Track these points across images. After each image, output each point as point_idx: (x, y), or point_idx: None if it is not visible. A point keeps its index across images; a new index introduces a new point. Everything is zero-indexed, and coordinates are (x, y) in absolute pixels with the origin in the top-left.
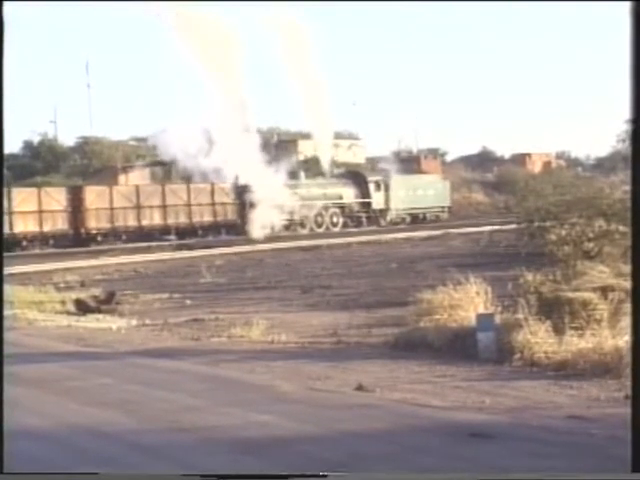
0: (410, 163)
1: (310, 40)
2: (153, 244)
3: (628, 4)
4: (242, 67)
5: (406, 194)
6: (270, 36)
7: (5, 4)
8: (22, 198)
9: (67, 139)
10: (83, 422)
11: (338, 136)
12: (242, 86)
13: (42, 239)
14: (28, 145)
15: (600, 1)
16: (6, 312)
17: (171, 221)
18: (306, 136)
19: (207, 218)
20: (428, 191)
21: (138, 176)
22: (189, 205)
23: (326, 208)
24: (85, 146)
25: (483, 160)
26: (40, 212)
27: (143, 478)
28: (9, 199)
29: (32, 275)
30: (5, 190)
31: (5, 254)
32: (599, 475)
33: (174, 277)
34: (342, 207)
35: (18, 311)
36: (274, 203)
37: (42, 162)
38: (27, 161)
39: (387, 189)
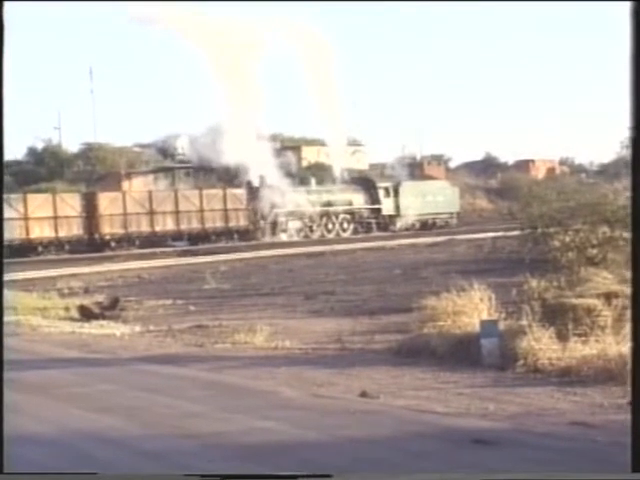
0: (414, 169)
1: (328, 46)
2: (157, 250)
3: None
4: (255, 71)
5: (415, 200)
6: (280, 41)
7: (8, 6)
8: (37, 204)
9: (71, 145)
10: (86, 428)
11: None
12: (255, 91)
13: (58, 244)
14: (32, 151)
15: (604, 1)
16: (10, 318)
17: (184, 227)
18: (310, 142)
19: (219, 224)
20: (437, 197)
21: (142, 182)
22: (202, 211)
23: (336, 214)
24: (89, 152)
25: (487, 166)
26: (55, 218)
27: (143, 478)
28: (25, 205)
29: (36, 281)
30: (20, 196)
31: (14, 260)
32: (599, 475)
33: (178, 283)
34: (352, 213)
35: (22, 317)
36: (286, 209)
37: (46, 168)
38: (31, 167)
39: (396, 195)
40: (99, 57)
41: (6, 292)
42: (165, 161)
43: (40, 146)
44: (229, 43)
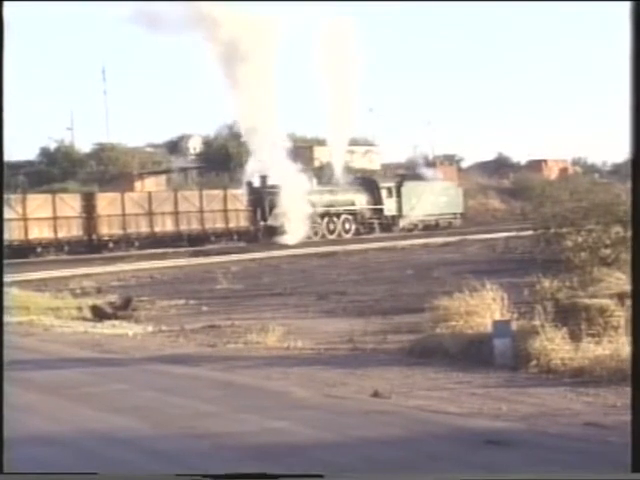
0: (426, 169)
1: (343, 44)
2: (169, 250)
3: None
4: (269, 69)
5: (418, 201)
6: (288, 38)
7: (18, 6)
8: (37, 205)
9: (83, 146)
10: (100, 428)
11: (354, 142)
12: (269, 89)
13: (57, 245)
14: (45, 152)
15: (619, 1)
16: (23, 318)
17: (183, 227)
18: (322, 142)
19: (219, 225)
20: (440, 198)
21: (154, 183)
22: (201, 212)
23: (338, 215)
24: (101, 153)
25: (499, 166)
26: (55, 218)
27: (143, 478)
28: (24, 206)
29: (48, 281)
30: (20, 197)
31: (21, 260)
32: (599, 475)
33: (190, 283)
34: (354, 214)
35: (34, 317)
36: (287, 210)
37: (58, 169)
38: (44, 168)
39: (399, 195)
40: (112, 57)
41: (19, 292)
42: (178, 161)
43: (53, 146)
44: (243, 40)
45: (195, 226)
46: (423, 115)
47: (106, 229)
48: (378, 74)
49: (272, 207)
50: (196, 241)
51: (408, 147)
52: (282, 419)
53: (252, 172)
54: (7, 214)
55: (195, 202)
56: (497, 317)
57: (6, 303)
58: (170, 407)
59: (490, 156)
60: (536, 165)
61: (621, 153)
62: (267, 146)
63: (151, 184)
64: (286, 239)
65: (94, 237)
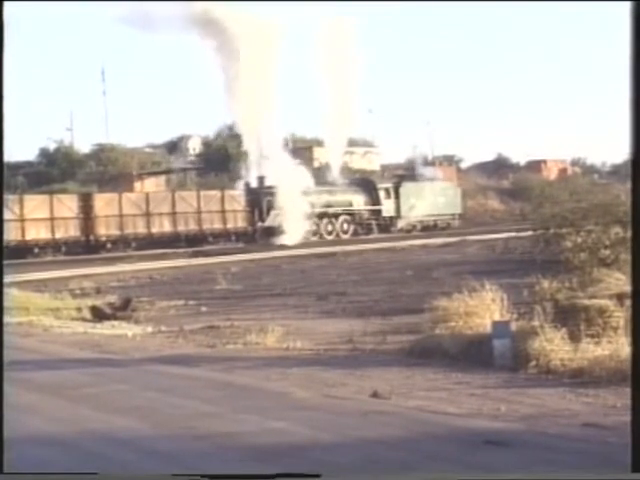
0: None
1: (350, 43)
2: (168, 251)
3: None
4: (269, 69)
5: (416, 201)
6: (290, 37)
7: (18, 7)
8: (34, 205)
9: (83, 146)
10: (99, 428)
11: (353, 143)
12: (271, 90)
13: (54, 246)
14: (44, 152)
15: (619, 1)
16: (23, 319)
17: (181, 228)
18: (321, 143)
19: (217, 225)
20: (439, 198)
21: (153, 183)
22: (199, 212)
23: (336, 215)
24: (101, 153)
25: (498, 167)
26: (52, 219)
27: (143, 478)
28: (21, 206)
29: (48, 282)
30: (17, 197)
31: (19, 261)
32: (599, 475)
33: (190, 284)
34: (352, 214)
35: (34, 318)
36: (284, 210)
37: (58, 169)
38: (43, 168)
39: (397, 196)
40: (111, 57)
41: (18, 293)
42: (177, 162)
43: (52, 147)
44: (243, 40)
45: (193, 227)
46: (422, 115)
47: (103, 230)
48: (378, 74)
49: (270, 208)
50: (194, 242)
51: (407, 147)
52: (282, 419)
53: (250, 172)
54: (5, 215)
55: (193, 203)
56: (496, 318)
57: (6, 304)
58: (170, 407)
59: (489, 156)
60: (535, 166)
61: (620, 153)
62: (266, 146)
63: (150, 185)
64: (284, 240)
65: (91, 238)
